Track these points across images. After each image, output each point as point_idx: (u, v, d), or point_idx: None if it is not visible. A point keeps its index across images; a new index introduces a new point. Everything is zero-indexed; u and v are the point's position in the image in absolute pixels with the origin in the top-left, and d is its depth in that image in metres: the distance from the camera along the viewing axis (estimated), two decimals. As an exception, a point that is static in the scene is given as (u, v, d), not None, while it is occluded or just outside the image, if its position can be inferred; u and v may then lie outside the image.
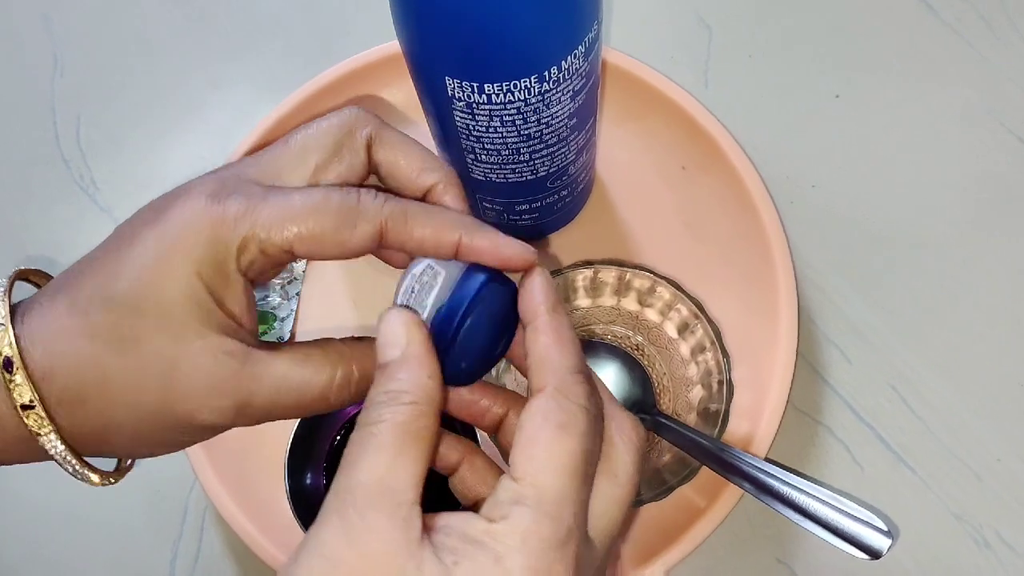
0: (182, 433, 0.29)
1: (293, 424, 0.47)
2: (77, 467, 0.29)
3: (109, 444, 0.29)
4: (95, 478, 0.30)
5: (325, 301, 0.54)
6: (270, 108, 0.56)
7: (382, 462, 0.25)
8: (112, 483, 0.31)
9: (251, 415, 0.29)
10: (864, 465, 0.50)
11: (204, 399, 0.28)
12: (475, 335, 0.29)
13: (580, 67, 0.38)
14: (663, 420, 0.45)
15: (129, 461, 0.34)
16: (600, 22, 0.39)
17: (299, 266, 0.54)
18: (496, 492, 0.26)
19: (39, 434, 0.27)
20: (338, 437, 0.49)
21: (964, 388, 0.51)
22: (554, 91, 0.38)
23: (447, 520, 0.26)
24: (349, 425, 0.50)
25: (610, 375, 0.48)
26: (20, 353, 0.27)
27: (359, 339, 0.31)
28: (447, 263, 0.31)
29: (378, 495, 0.25)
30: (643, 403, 0.47)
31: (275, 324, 0.52)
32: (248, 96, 0.61)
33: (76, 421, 0.28)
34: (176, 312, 0.28)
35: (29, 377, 0.27)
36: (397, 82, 0.56)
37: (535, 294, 0.29)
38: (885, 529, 0.39)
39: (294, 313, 0.53)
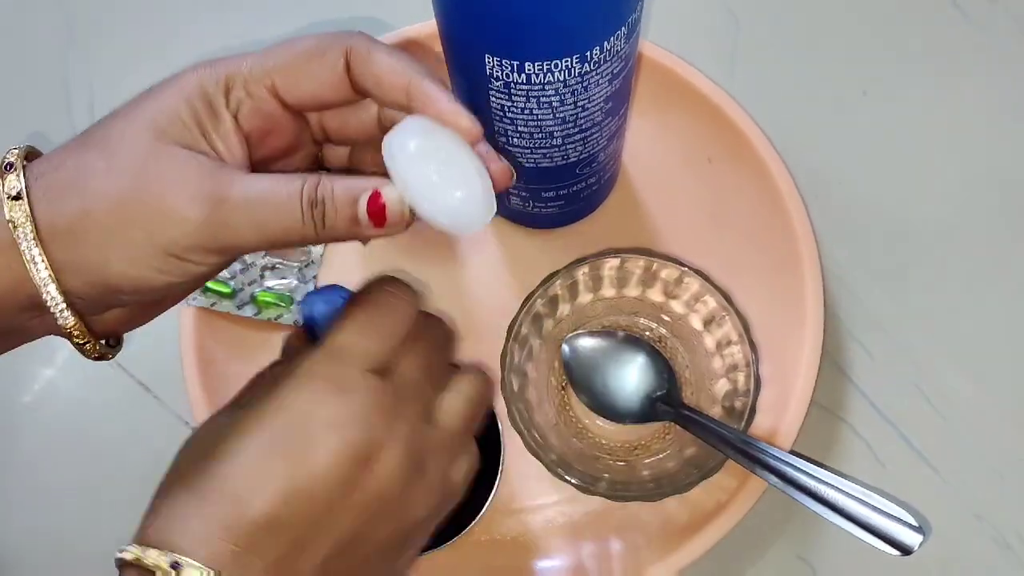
0: (156, 232, 0.28)
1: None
2: (43, 267, 0.28)
3: (84, 242, 0.29)
4: (58, 296, 0.29)
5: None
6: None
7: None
8: (87, 345, 0.31)
9: (226, 218, 0.29)
10: (886, 463, 0.49)
11: (178, 184, 0.29)
12: None
13: (621, 49, 0.38)
14: (689, 414, 0.45)
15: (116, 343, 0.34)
16: (643, 4, 0.38)
17: (316, 250, 0.54)
18: None
19: (15, 224, 0.28)
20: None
21: (987, 387, 0.51)
22: (594, 72, 0.38)
23: None
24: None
25: (635, 368, 0.47)
26: (24, 158, 0.30)
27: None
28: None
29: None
30: (669, 397, 0.46)
31: (292, 307, 0.52)
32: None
33: (53, 209, 0.29)
34: (160, 122, 0.29)
35: (24, 176, 0.29)
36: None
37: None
38: (916, 525, 0.38)
39: (311, 296, 0.52)
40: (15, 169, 0.29)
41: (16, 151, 0.30)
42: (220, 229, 0.29)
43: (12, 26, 0.63)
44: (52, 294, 0.29)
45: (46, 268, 0.28)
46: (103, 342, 0.33)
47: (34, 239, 0.28)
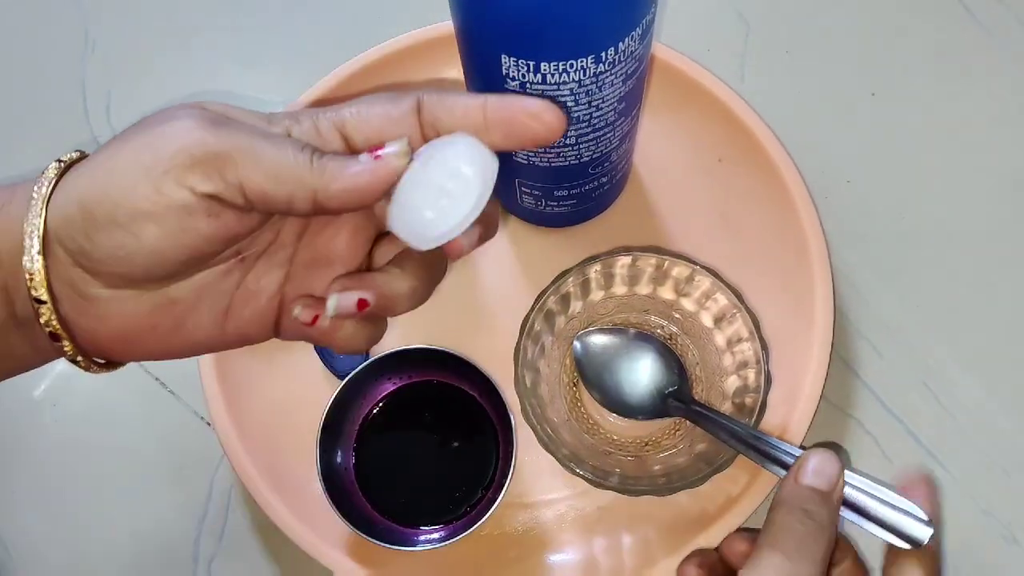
0: (148, 148, 0.28)
1: (325, 403, 0.47)
2: (40, 206, 0.29)
3: (81, 173, 0.29)
4: (37, 226, 0.29)
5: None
6: (304, 90, 0.56)
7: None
8: (70, 353, 0.31)
9: (221, 137, 0.28)
10: (893, 459, 0.50)
11: (185, 115, 0.29)
12: None
13: (635, 50, 0.39)
14: (700, 409, 0.46)
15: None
16: (657, 5, 0.39)
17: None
18: None
19: (32, 197, 0.29)
20: (372, 412, 0.49)
21: (994, 385, 0.51)
22: (608, 73, 0.39)
23: None
24: (381, 406, 0.49)
25: (646, 364, 0.48)
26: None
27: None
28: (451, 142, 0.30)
29: None
30: (679, 392, 0.47)
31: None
32: (282, 77, 0.61)
33: (71, 179, 0.29)
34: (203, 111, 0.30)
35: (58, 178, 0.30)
36: (431, 68, 0.56)
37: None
38: (926, 519, 0.39)
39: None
40: (67, 159, 0.30)
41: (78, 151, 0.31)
42: (209, 134, 0.28)
43: (30, 31, 0.64)
44: (32, 226, 0.29)
45: (41, 207, 0.29)
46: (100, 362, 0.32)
47: (49, 183, 0.29)
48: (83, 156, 0.31)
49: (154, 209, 0.28)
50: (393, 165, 0.29)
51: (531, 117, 0.30)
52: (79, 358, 0.31)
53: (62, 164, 0.30)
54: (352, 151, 0.31)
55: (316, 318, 0.32)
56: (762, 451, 0.42)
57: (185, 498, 0.52)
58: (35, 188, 0.29)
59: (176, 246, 0.29)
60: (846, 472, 0.41)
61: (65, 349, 0.31)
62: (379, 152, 0.29)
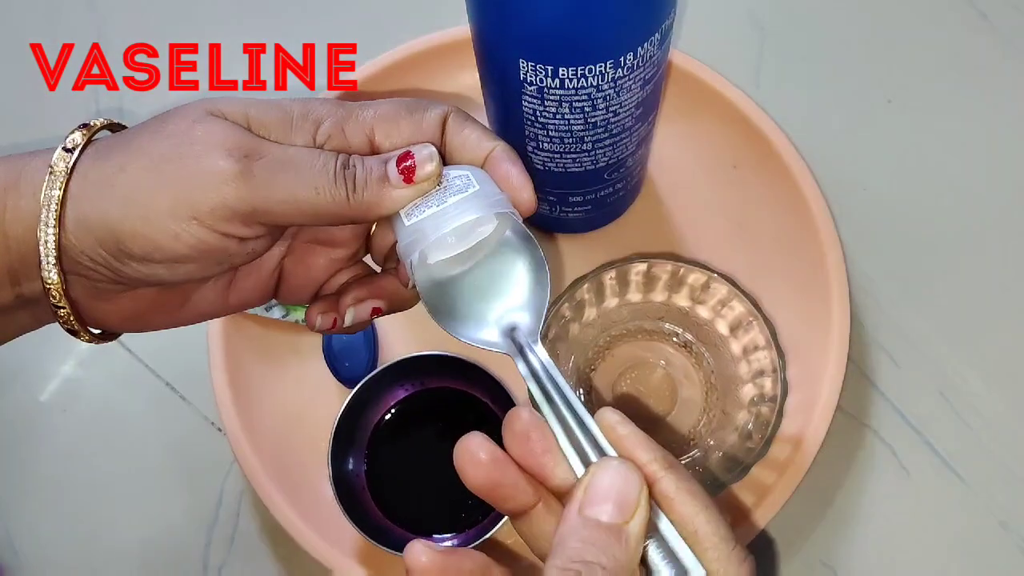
0: (183, 191, 0.29)
1: (337, 409, 0.46)
2: (53, 214, 0.29)
3: (110, 196, 0.29)
4: (52, 242, 0.29)
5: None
6: (321, 94, 0.56)
7: None
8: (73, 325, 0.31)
9: (256, 175, 0.29)
10: (911, 469, 0.49)
11: (216, 142, 0.29)
12: None
13: (654, 55, 0.38)
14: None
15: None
16: (675, 11, 0.38)
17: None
18: None
19: (52, 171, 0.29)
20: (384, 419, 0.49)
21: (1012, 395, 0.51)
22: (626, 78, 0.38)
23: None
24: (393, 412, 0.49)
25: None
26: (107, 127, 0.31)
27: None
28: (484, 182, 0.31)
29: None
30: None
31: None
32: (298, 82, 0.61)
33: (96, 165, 0.29)
34: (223, 107, 0.30)
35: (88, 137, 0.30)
36: (446, 73, 0.56)
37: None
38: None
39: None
40: (87, 130, 0.30)
41: (101, 120, 0.31)
42: (249, 187, 0.29)
43: (41, 26, 0.64)
44: (47, 238, 0.29)
45: (55, 215, 0.29)
46: (97, 332, 0.33)
47: (60, 185, 0.29)
48: (118, 127, 0.32)
49: (194, 254, 0.30)
50: (430, 183, 0.30)
51: (510, 188, 0.31)
52: (85, 336, 0.32)
53: (68, 155, 0.30)
54: (375, 151, 0.32)
55: (335, 321, 0.34)
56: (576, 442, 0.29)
57: (195, 504, 0.52)
58: (46, 187, 0.29)
59: (210, 273, 0.31)
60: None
61: (83, 339, 0.32)
62: (413, 172, 0.30)
